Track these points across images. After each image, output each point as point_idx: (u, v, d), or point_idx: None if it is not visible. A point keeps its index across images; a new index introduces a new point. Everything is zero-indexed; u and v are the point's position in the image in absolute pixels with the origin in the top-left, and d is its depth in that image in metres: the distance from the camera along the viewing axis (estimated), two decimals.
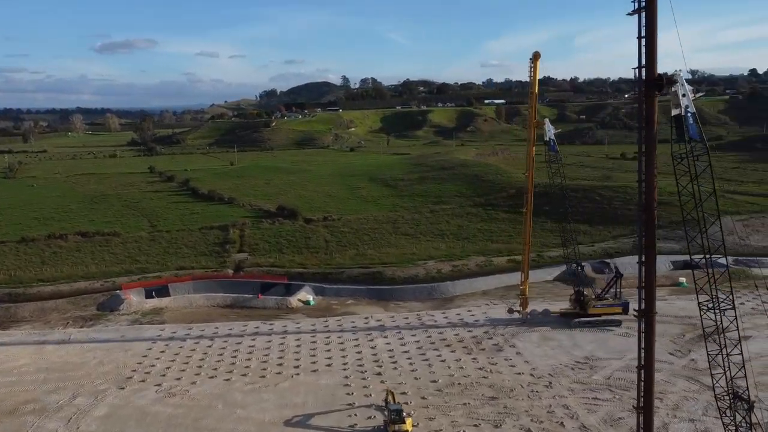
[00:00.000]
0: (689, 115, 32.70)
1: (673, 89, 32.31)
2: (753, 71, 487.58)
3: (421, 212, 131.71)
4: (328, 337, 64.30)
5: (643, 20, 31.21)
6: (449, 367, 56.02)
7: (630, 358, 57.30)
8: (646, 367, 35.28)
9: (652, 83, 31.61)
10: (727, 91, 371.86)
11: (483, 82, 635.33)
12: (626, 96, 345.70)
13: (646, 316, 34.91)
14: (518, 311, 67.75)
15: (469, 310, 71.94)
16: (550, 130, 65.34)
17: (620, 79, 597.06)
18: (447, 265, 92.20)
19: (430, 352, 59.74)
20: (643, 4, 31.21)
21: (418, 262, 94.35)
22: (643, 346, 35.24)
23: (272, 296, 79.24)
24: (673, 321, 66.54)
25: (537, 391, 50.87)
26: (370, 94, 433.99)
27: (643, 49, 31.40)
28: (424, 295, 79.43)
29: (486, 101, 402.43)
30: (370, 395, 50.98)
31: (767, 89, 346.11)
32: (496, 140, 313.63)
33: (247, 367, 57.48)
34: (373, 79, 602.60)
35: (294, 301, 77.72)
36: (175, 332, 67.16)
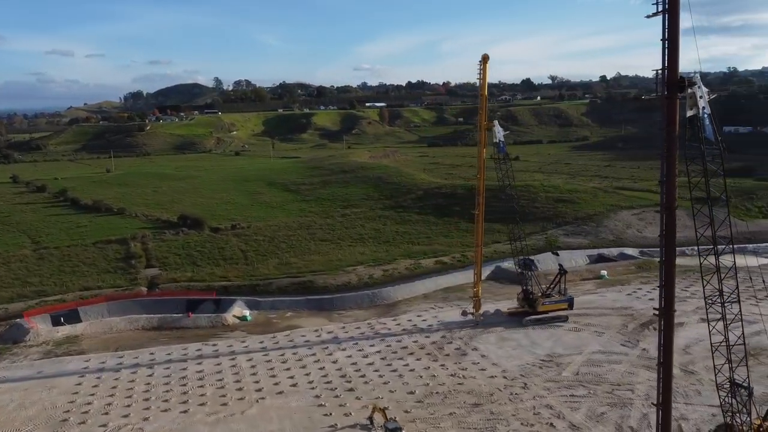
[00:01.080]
0: (706, 116, 33.73)
1: (690, 90, 33.16)
2: (603, 77, 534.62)
3: (332, 216, 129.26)
4: (282, 355, 60.17)
5: (666, 23, 31.79)
6: (421, 376, 54.46)
7: (589, 352, 59.29)
8: (665, 364, 35.99)
9: (674, 85, 32.25)
10: (586, 95, 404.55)
11: (358, 85, 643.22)
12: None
13: (666, 314, 35.54)
14: (472, 313, 67.76)
15: (419, 315, 70.84)
16: (499, 132, 65.97)
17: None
18: (377, 270, 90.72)
19: (395, 362, 57.80)
20: (666, 6, 31.75)
21: (347, 268, 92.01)
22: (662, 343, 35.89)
23: (204, 314, 73.09)
24: (612, 313, 69.85)
25: (516, 394, 50.77)
26: (249, 96, 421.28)
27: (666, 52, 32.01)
28: (366, 302, 77.24)
29: (367, 104, 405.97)
30: (350, 414, 48.08)
31: (619, 94, 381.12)
32: (381, 142, 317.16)
33: (202, 395, 52.07)
34: (248, 81, 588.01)
35: (229, 317, 72.23)
36: (104, 362, 59.51)
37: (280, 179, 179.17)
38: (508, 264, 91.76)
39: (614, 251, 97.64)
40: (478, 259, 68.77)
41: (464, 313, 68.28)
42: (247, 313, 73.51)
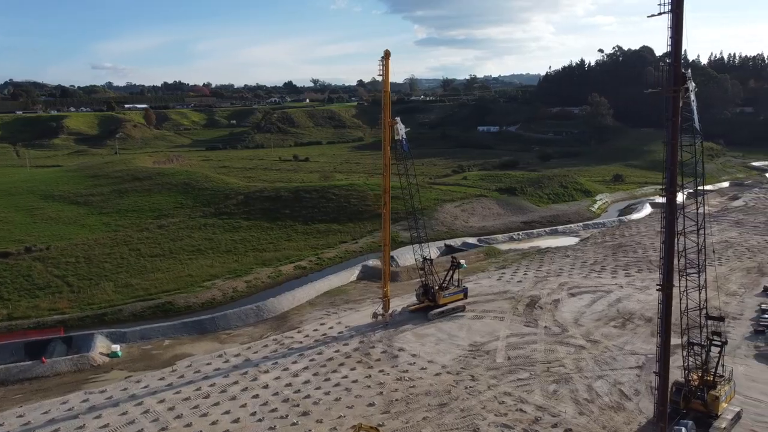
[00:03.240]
0: (694, 108, 37.55)
1: (684, 85, 36.54)
2: (360, 82, 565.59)
3: (148, 229, 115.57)
4: (198, 389, 51.63)
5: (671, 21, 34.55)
6: (369, 386, 51.44)
7: (504, 337, 62.07)
8: (663, 334, 39.18)
9: (680, 78, 35.26)
10: (353, 98, 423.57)
11: (104, 85, 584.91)
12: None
13: (666, 290, 38.55)
14: (382, 314, 66.09)
15: (321, 323, 66.72)
16: (401, 130, 65.16)
17: (246, 86, 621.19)
18: (239, 283, 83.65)
19: (332, 375, 53.66)
20: (671, 6, 34.49)
21: (204, 283, 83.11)
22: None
23: (61, 357, 59.20)
24: (497, 298, 74.25)
25: (471, 387, 50.95)
26: None
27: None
28: (252, 317, 70.25)
29: (126, 106, 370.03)
30: None
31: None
32: (152, 147, 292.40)
33: None
34: None
35: (97, 356, 59.57)
36: None
37: (56, 191, 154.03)
38: (374, 262, 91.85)
39: (458, 241, 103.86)
40: (385, 258, 67.27)
41: (375, 315, 66.42)
42: (117, 348, 61.54)
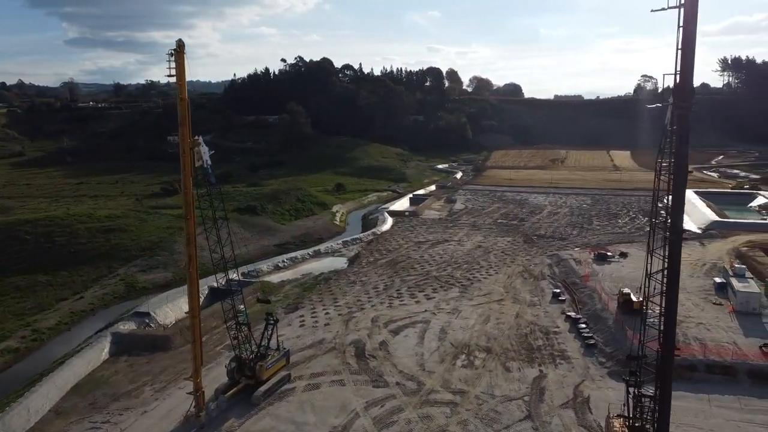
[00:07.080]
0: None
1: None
2: (3, 84, 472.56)
3: None
4: None
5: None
6: None
7: (361, 410, 49.44)
8: (662, 397, 31.86)
9: (691, 91, 27.78)
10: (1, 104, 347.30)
11: None
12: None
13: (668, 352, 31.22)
14: (198, 415, 46.14)
15: None
16: (205, 153, 46.13)
17: None
18: None
19: None
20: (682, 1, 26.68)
21: None
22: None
23: None
24: (317, 353, 60.17)
25: None
26: None
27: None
28: None
29: None
30: None
31: (44, 104, 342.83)
32: None
33: None
34: None
35: None
36: None
37: None
38: (127, 325, 68.58)
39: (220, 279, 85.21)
40: (195, 333, 47.21)
41: (188, 419, 46.24)
42: None
